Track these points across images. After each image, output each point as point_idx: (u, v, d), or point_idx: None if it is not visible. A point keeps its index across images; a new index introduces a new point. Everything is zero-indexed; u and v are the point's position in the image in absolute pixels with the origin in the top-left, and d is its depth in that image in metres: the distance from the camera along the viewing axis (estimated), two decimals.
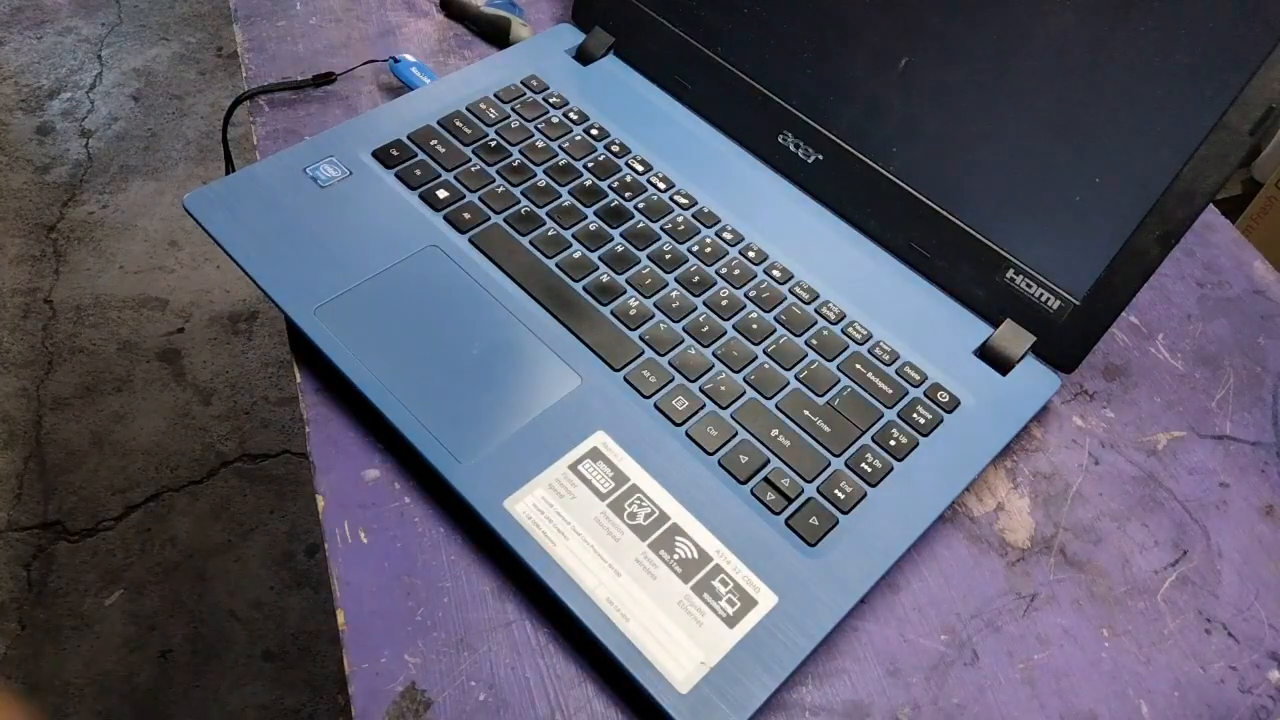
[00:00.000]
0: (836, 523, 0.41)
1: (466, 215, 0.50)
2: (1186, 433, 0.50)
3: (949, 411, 0.46)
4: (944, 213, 0.50)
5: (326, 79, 0.60)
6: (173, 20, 1.94)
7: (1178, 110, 0.42)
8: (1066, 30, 0.43)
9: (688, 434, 0.43)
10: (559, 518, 0.39)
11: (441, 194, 0.51)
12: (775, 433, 0.44)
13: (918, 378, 0.47)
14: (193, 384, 1.39)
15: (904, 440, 0.44)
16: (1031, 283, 0.48)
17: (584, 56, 0.60)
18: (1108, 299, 0.46)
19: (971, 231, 0.49)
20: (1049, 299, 0.47)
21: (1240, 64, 0.40)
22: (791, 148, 0.54)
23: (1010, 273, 0.48)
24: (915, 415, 0.45)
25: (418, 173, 0.52)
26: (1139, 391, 0.52)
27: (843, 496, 0.42)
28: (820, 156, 0.53)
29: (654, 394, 0.44)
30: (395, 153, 0.53)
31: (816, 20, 0.51)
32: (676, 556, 0.39)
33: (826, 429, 0.44)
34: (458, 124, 0.55)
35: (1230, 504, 0.48)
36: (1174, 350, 0.54)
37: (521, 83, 0.58)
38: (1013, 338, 0.48)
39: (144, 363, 1.41)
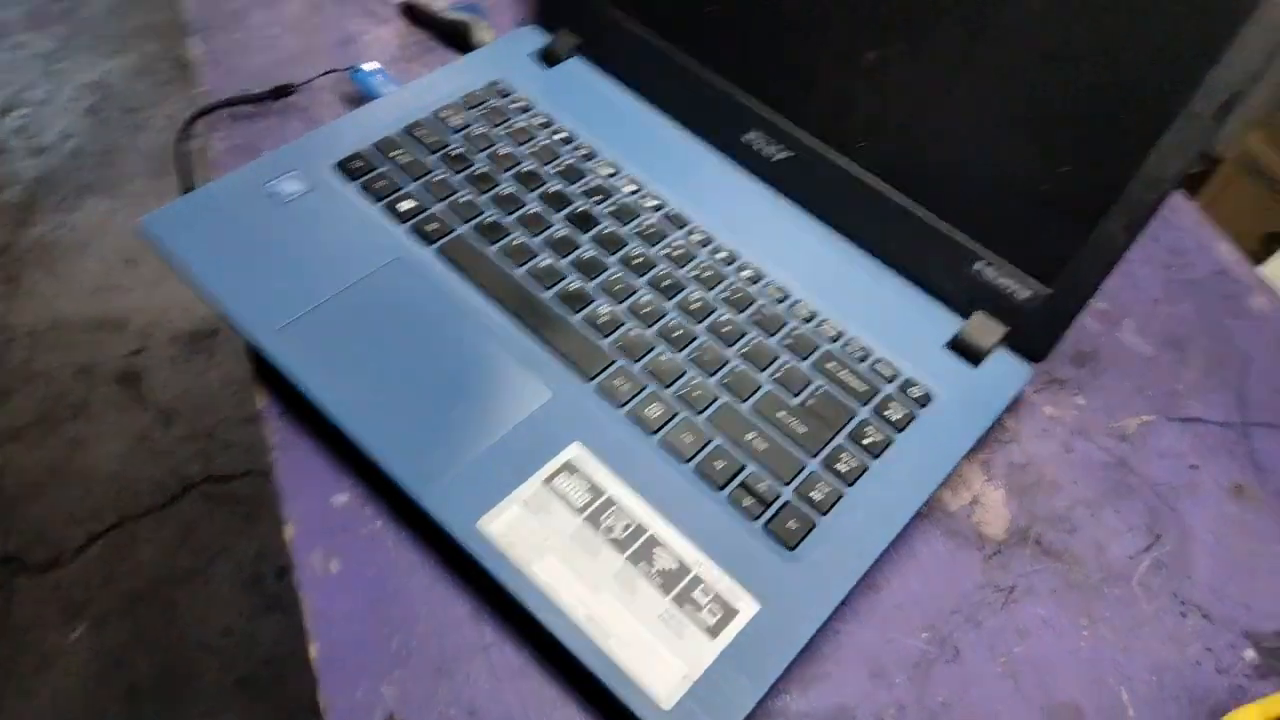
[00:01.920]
0: (815, 525, 0.41)
1: (432, 226, 0.49)
2: (1156, 416, 0.51)
3: (922, 406, 0.46)
4: (912, 206, 0.50)
5: (286, 90, 0.59)
6: (127, 32, 1.91)
7: (1143, 98, 0.42)
8: (1030, 21, 0.43)
9: (662, 441, 0.43)
10: (534, 535, 0.39)
11: (406, 205, 0.50)
12: (750, 436, 0.43)
13: (890, 374, 0.47)
14: (154, 406, 1.36)
15: (879, 438, 0.44)
16: (1001, 273, 0.48)
17: (549, 58, 0.60)
18: (1077, 287, 0.46)
19: (940, 224, 0.49)
20: (1018, 289, 0.48)
21: (1203, 51, 0.40)
22: (759, 145, 0.54)
23: (979, 264, 0.48)
24: (889, 412, 0.45)
25: (381, 184, 0.51)
26: (1109, 377, 0.52)
27: (820, 498, 0.42)
28: (788, 153, 0.53)
29: (627, 402, 0.44)
30: (358, 164, 0.52)
31: (781, 17, 0.51)
32: (655, 568, 0.39)
33: (801, 430, 0.44)
34: (421, 132, 0.54)
35: (1200, 486, 0.48)
36: (1142, 334, 0.54)
37: (486, 87, 0.57)
38: (983, 329, 0.48)
39: (102, 386, 1.38)
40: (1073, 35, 0.43)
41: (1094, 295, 0.46)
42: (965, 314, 0.50)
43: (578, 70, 0.60)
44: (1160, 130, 0.42)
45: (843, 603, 0.40)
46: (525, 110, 0.56)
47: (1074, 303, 0.46)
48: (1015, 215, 0.47)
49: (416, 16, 0.65)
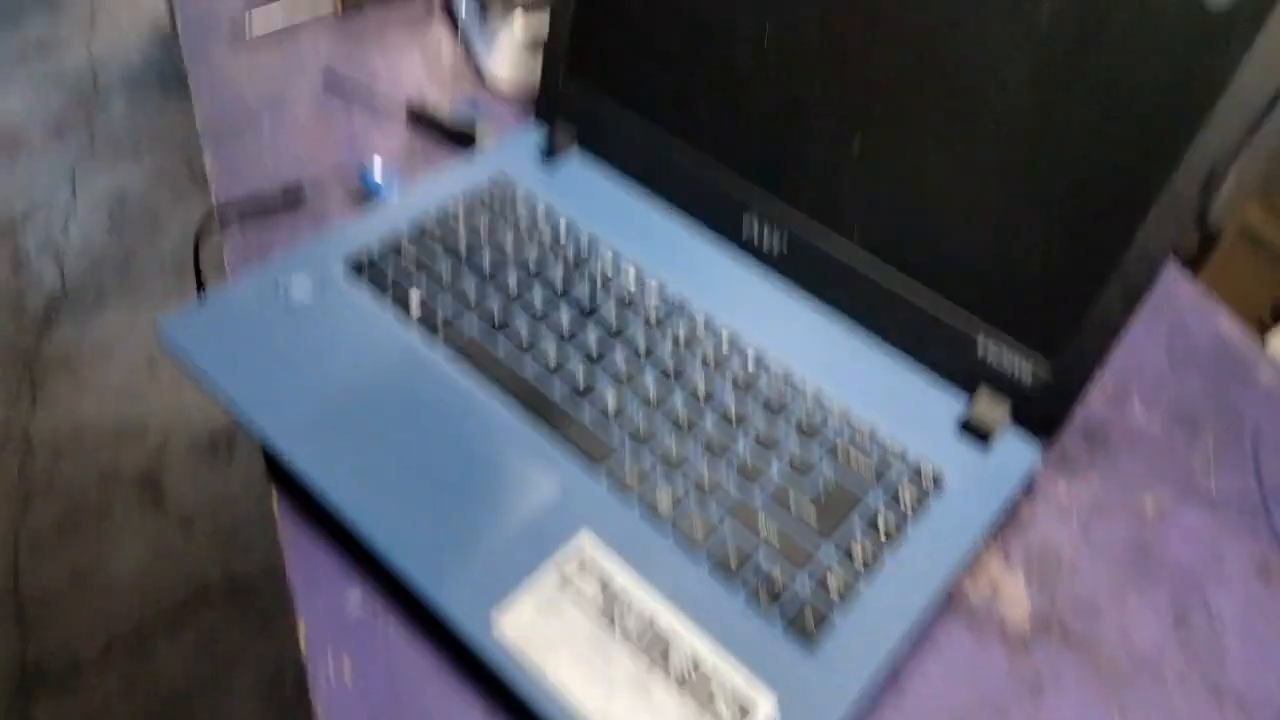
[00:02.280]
0: (831, 615, 0.40)
1: (440, 320, 0.50)
2: (1173, 495, 0.50)
3: (934, 488, 0.45)
4: (911, 286, 0.50)
5: (296, 193, 0.60)
6: (144, 140, 1.97)
7: (1126, 174, 0.43)
8: (1010, 104, 0.45)
9: (674, 529, 0.42)
10: (547, 633, 0.38)
11: (414, 300, 0.51)
12: (762, 521, 0.43)
13: (899, 455, 0.47)
14: (173, 510, 1.36)
15: (892, 522, 0.44)
16: (1004, 352, 0.48)
17: (549, 153, 0.61)
18: (1080, 362, 0.46)
19: (940, 303, 0.49)
20: (1022, 367, 0.48)
21: (1180, 128, 0.41)
22: (756, 229, 0.55)
23: (981, 341, 0.49)
24: (901, 494, 0.45)
25: (389, 281, 0.52)
26: (1121, 455, 0.52)
27: (835, 586, 0.41)
28: (785, 237, 0.54)
29: (637, 490, 0.44)
30: (366, 262, 0.53)
31: (772, 106, 0.53)
32: (670, 664, 0.38)
33: (813, 515, 0.44)
34: (428, 229, 0.55)
35: (1225, 565, 0.47)
36: (1151, 410, 0.54)
37: (489, 184, 0.59)
38: (990, 408, 0.48)
39: (123, 492, 1.38)
40: (1052, 115, 0.44)
41: (1098, 371, 0.46)
42: (970, 392, 0.49)
43: (577, 163, 0.61)
44: (1146, 205, 0.42)
45: (864, 696, 0.39)
46: (528, 204, 0.58)
47: (1078, 378, 0.46)
48: (1013, 292, 0.47)
49: (421, 119, 0.67)
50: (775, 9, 0.51)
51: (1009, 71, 0.44)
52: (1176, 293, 0.61)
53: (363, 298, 0.51)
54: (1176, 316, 0.60)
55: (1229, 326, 0.59)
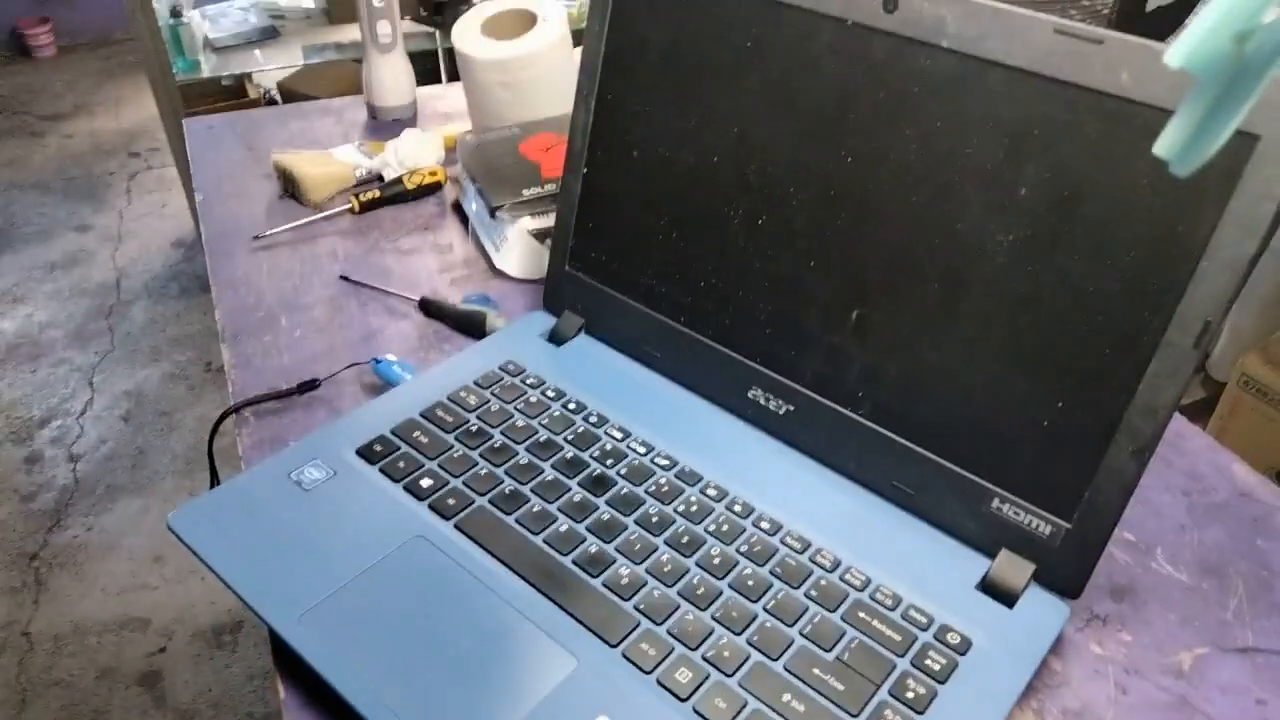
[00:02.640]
0: None
1: (451, 501, 0.50)
2: (1209, 648, 0.48)
3: (962, 654, 0.44)
4: (920, 450, 0.51)
5: (311, 385, 0.62)
6: (164, 342, 2.03)
7: (1120, 335, 0.44)
8: (1000, 274, 0.47)
9: (695, 709, 0.41)
10: None
11: (425, 483, 0.51)
12: (787, 697, 0.42)
13: (924, 620, 0.45)
14: (173, 708, 1.31)
15: (922, 691, 0.42)
16: (1019, 510, 0.48)
17: (557, 338, 0.63)
18: (1097, 518, 0.46)
19: (950, 466, 0.50)
20: (1040, 525, 0.47)
21: (1169, 285, 0.42)
22: (762, 402, 0.56)
23: (996, 503, 0.48)
24: (929, 661, 0.44)
25: (401, 465, 0.53)
26: (1150, 610, 0.50)
27: None
28: (791, 408, 0.55)
29: (655, 668, 0.42)
30: (378, 448, 0.54)
31: (768, 285, 0.55)
32: None
33: (840, 687, 0.42)
34: (439, 414, 0.56)
35: (1271, 718, 0.45)
36: (1176, 563, 0.53)
37: (499, 368, 0.60)
38: (1012, 568, 0.47)
39: (123, 689, 1.34)
40: (1041, 283, 0.45)
41: (1116, 525, 0.45)
42: (991, 553, 0.49)
43: (585, 346, 0.63)
44: (1145, 361, 0.43)
45: None
46: (537, 386, 0.59)
47: (1098, 534, 0.46)
48: (1022, 453, 0.47)
49: (433, 310, 0.70)
50: (767, 201, 0.54)
51: (996, 244, 0.46)
52: (1187, 445, 0.61)
53: (374, 484, 0.52)
54: (1190, 467, 0.59)
55: (1244, 474, 0.59)
